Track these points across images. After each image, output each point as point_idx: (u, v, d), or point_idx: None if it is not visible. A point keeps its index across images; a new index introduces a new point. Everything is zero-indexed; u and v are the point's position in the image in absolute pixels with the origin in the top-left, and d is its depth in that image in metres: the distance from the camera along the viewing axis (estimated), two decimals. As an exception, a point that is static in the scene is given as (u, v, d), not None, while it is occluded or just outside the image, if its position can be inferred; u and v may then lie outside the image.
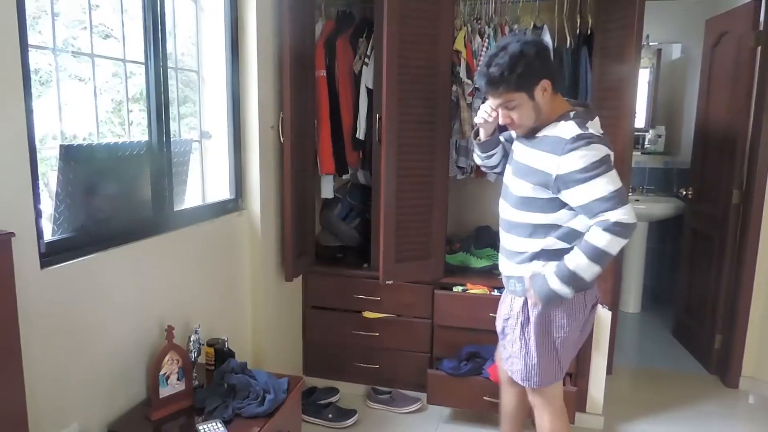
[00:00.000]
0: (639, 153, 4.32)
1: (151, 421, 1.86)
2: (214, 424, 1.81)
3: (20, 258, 1.38)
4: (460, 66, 2.72)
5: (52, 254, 1.59)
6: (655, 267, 4.47)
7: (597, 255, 1.67)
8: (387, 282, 2.63)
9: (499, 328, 2.02)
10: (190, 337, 2.09)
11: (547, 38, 2.68)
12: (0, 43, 1.38)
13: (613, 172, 1.67)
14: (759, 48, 2.94)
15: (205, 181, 2.48)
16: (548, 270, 1.76)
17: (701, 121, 3.58)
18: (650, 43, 4.22)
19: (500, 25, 2.79)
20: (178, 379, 1.94)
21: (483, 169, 2.16)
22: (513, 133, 1.97)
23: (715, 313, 3.30)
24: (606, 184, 1.63)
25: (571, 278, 1.71)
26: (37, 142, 1.53)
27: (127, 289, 1.86)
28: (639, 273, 4.28)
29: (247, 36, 2.46)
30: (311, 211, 2.94)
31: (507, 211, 1.91)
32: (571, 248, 1.75)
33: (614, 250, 1.67)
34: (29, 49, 1.50)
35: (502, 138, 2.05)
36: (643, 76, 4.35)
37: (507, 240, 1.91)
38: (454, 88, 2.74)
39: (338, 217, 3.10)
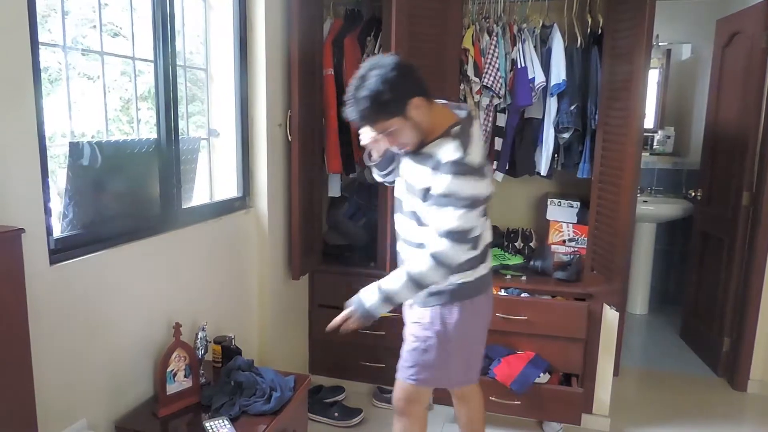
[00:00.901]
0: (648, 154, 4.30)
1: (158, 418, 1.87)
2: (220, 421, 1.82)
3: (30, 254, 1.39)
4: (467, 64, 2.71)
5: (61, 251, 1.60)
6: (663, 268, 4.44)
7: (414, 279, 1.68)
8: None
9: (404, 333, 1.97)
10: (197, 335, 2.10)
11: (558, 37, 2.67)
12: (11, 42, 1.39)
13: (471, 214, 1.64)
14: (771, 48, 2.91)
15: (212, 178, 2.49)
16: (368, 291, 1.75)
17: (711, 122, 3.55)
18: (660, 43, 4.19)
19: (508, 23, 2.78)
20: (185, 376, 1.95)
21: (386, 184, 2.09)
22: None
23: (723, 316, 3.27)
24: (456, 219, 1.62)
25: (388, 300, 1.72)
26: (46, 140, 1.54)
27: (135, 286, 1.87)
28: (647, 274, 4.26)
29: (255, 34, 2.46)
30: (318, 209, 2.94)
31: (401, 224, 1.88)
32: (468, 260, 1.77)
33: (430, 281, 1.68)
34: (39, 47, 1.51)
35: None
36: (653, 77, 4.32)
37: (404, 251, 1.88)
38: (462, 86, 2.73)
39: (345, 216, 3.10)
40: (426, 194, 1.70)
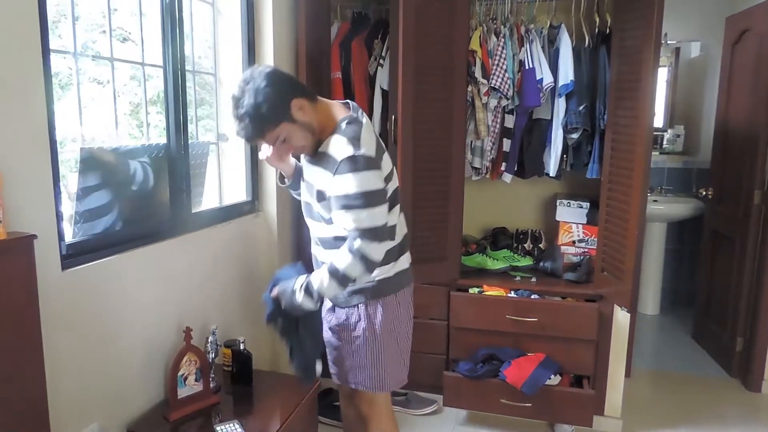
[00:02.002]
0: (657, 153, 4.27)
1: (169, 422, 1.88)
2: (231, 425, 1.82)
3: (42, 260, 1.40)
4: (475, 66, 2.71)
5: (72, 256, 1.62)
6: (674, 268, 4.41)
7: (338, 276, 1.65)
8: (403, 283, 2.61)
9: (327, 339, 1.93)
10: (207, 338, 2.11)
11: (566, 38, 2.66)
12: (23, 48, 1.40)
13: (378, 210, 1.63)
14: (781, 46, 2.89)
15: (222, 183, 2.50)
16: (297, 284, 1.72)
17: (721, 120, 3.53)
18: (668, 42, 4.17)
19: (516, 24, 2.77)
20: (195, 380, 1.96)
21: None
22: None
23: (736, 315, 3.24)
24: (366, 218, 1.61)
25: (316, 295, 1.70)
26: (57, 146, 1.55)
27: (146, 290, 1.88)
28: (658, 274, 4.22)
29: (263, 38, 2.47)
30: (327, 212, 2.94)
31: (312, 226, 1.86)
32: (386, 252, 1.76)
33: (354, 274, 1.65)
34: (51, 53, 1.52)
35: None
36: (661, 75, 4.29)
37: (319, 253, 1.86)
38: (470, 88, 2.72)
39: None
40: (325, 196, 1.68)
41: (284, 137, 1.66)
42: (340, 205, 1.62)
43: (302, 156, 1.80)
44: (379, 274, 1.77)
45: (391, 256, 1.78)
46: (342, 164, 1.60)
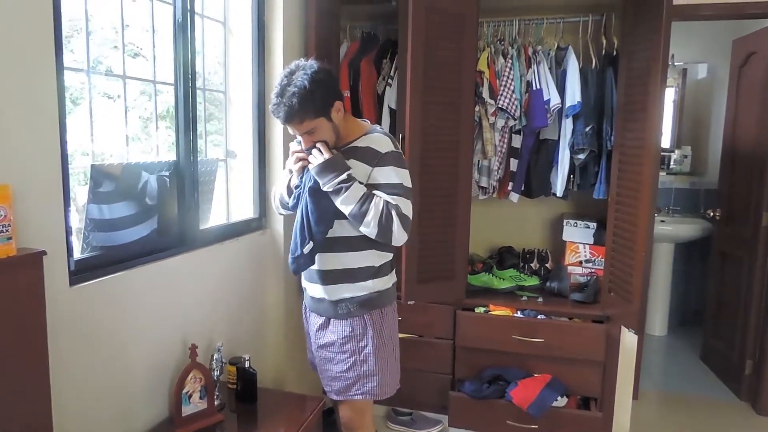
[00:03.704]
0: (665, 173, 4.27)
1: (173, 440, 1.87)
2: (235, 443, 1.81)
3: (50, 275, 1.40)
4: (483, 86, 2.72)
5: (80, 272, 1.62)
6: (682, 289, 4.38)
7: (380, 213, 1.72)
8: (409, 302, 2.61)
9: (322, 357, 1.95)
10: (212, 356, 2.10)
11: (573, 59, 2.68)
12: (38, 65, 1.42)
13: (410, 203, 1.80)
14: (788, 68, 2.90)
15: (229, 199, 2.51)
16: (342, 173, 1.72)
17: (729, 141, 3.53)
18: (675, 63, 4.19)
19: (523, 45, 2.79)
20: (200, 398, 1.95)
21: (283, 213, 2.10)
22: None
23: (745, 337, 3.21)
24: (404, 206, 1.76)
25: (342, 194, 1.72)
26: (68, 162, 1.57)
27: (153, 307, 1.88)
28: (665, 295, 4.20)
29: (273, 57, 2.50)
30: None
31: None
32: (387, 263, 1.91)
33: (394, 229, 1.74)
34: (64, 71, 1.54)
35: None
36: (669, 96, 4.30)
37: (321, 260, 1.88)
38: (477, 108, 2.74)
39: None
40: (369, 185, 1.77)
41: (314, 130, 1.73)
42: (384, 191, 1.75)
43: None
44: (380, 285, 1.89)
45: (389, 268, 1.94)
46: (387, 156, 1.75)
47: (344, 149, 1.80)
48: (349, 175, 1.73)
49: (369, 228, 1.75)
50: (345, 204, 1.73)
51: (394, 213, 1.73)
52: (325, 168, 1.73)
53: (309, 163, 1.78)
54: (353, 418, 1.98)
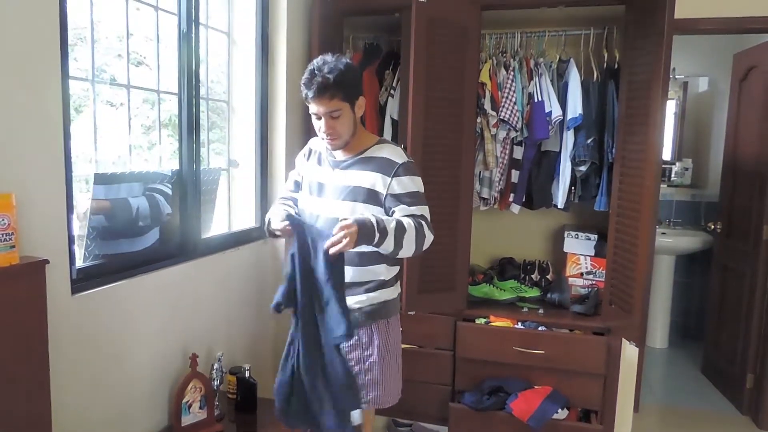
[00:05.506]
0: (666, 185, 4.27)
1: (172, 449, 1.86)
2: (234, 454, 1.80)
3: (52, 284, 1.41)
4: (485, 98, 2.74)
5: (82, 280, 1.62)
6: (683, 301, 4.37)
7: (420, 231, 1.72)
8: (409, 313, 2.61)
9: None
10: (213, 365, 2.10)
11: (574, 72, 2.69)
12: (43, 74, 1.43)
13: (427, 208, 1.82)
14: (789, 82, 2.91)
15: (231, 209, 2.52)
16: (379, 225, 1.66)
17: (730, 154, 3.53)
18: (677, 76, 4.21)
19: (525, 58, 2.81)
20: (200, 408, 1.95)
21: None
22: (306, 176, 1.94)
23: (746, 351, 3.20)
24: (426, 211, 1.80)
25: (388, 239, 1.66)
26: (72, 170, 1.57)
27: (153, 315, 1.88)
28: (666, 308, 4.18)
29: (276, 67, 2.51)
30: (335, 239, 2.94)
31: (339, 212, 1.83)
32: (394, 275, 1.93)
33: (426, 239, 1.75)
34: (69, 80, 1.55)
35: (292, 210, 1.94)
36: (670, 109, 4.32)
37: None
38: (479, 119, 2.75)
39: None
40: (376, 195, 1.77)
41: (338, 114, 1.73)
42: (406, 201, 1.77)
43: (318, 171, 1.89)
44: (387, 296, 1.91)
45: (395, 279, 1.96)
46: (402, 167, 1.78)
47: (358, 158, 1.82)
48: (380, 228, 1.64)
49: (409, 254, 1.76)
50: (385, 250, 1.71)
51: (423, 224, 1.75)
52: (361, 239, 1.63)
53: (346, 247, 1.61)
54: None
